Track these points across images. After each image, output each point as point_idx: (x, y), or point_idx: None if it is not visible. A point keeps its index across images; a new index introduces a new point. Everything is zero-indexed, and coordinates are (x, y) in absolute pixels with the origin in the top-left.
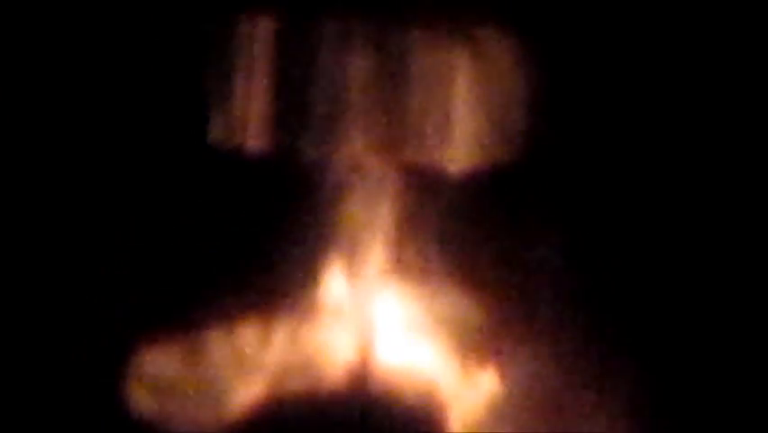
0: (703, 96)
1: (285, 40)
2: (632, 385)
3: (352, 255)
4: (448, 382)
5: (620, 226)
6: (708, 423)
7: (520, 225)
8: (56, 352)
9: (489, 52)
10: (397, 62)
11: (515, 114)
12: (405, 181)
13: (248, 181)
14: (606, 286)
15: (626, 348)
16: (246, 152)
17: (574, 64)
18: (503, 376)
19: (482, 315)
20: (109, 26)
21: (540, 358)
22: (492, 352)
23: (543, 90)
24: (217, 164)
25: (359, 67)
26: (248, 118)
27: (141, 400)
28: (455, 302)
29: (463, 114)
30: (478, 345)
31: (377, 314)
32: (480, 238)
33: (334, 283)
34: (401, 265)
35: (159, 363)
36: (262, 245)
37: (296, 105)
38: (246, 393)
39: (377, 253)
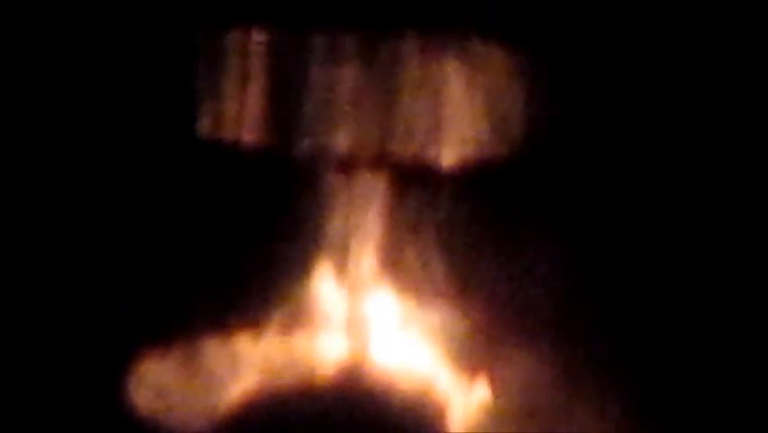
0: (699, 96)
1: (276, 50)
2: (628, 391)
3: (344, 258)
4: (440, 387)
5: (615, 227)
6: (707, 428)
7: (513, 229)
8: (55, 356)
9: (481, 61)
10: (388, 72)
11: (506, 117)
12: (396, 184)
13: (238, 185)
14: (601, 288)
15: (622, 353)
16: (237, 155)
17: (566, 70)
18: (496, 380)
19: (475, 318)
20: (103, 28)
21: (533, 362)
22: (485, 355)
23: (534, 97)
24: (207, 168)
25: (350, 76)
26: (239, 121)
27: (140, 404)
28: (448, 305)
29: (454, 117)
30: (471, 348)
31: (369, 317)
32: (473, 241)
33: (326, 286)
34: (393, 268)
35: (153, 368)
36: (253, 248)
37: (287, 108)
38: (240, 397)
39: (369, 255)
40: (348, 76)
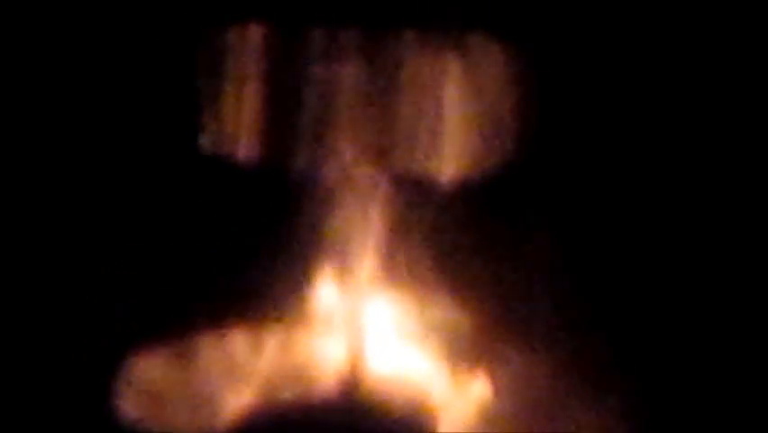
0: (696, 101)
1: (275, 49)
2: (625, 391)
3: (343, 263)
4: (440, 390)
5: (611, 233)
6: (703, 427)
7: (510, 232)
8: (46, 357)
9: (480, 60)
10: (387, 70)
11: (505, 122)
12: (395, 189)
13: (238, 190)
14: (597, 292)
15: (619, 354)
16: (237, 160)
17: (565, 72)
18: (494, 382)
19: (473, 322)
20: (101, 35)
21: (531, 364)
22: (483, 359)
23: (533, 98)
24: (208, 173)
25: (349, 75)
26: (239, 127)
27: (132, 407)
28: (446, 309)
29: (454, 122)
30: (469, 351)
31: (367, 322)
32: (471, 246)
33: (325, 291)
34: (392, 273)
35: (150, 371)
36: (253, 254)
37: (286, 114)
38: (237, 401)
39: (367, 261)
40: (347, 80)
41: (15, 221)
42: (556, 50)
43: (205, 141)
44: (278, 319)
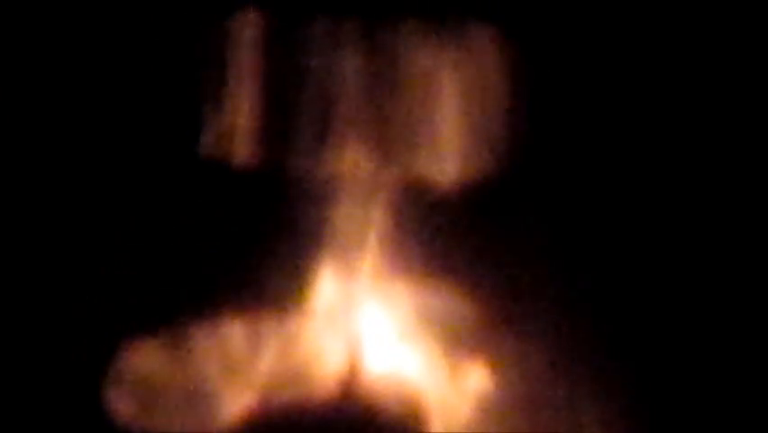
0: (693, 104)
1: (274, 42)
2: (623, 384)
3: (343, 260)
4: (438, 384)
5: (609, 228)
6: (702, 420)
7: (509, 230)
8: (38, 350)
9: (479, 54)
10: (386, 63)
11: (503, 121)
12: (394, 188)
13: (238, 187)
14: (594, 286)
15: (617, 347)
16: (237, 157)
17: (563, 70)
18: (493, 376)
19: (471, 317)
20: (99, 33)
21: (530, 357)
22: (482, 353)
23: (532, 92)
24: (209, 169)
25: (348, 68)
26: (239, 124)
27: (125, 401)
28: (444, 305)
29: (453, 119)
30: (467, 346)
31: (367, 318)
32: (469, 242)
33: (324, 289)
34: (391, 270)
35: (144, 365)
36: (253, 250)
37: (286, 111)
38: (234, 396)
39: (367, 257)
40: (346, 74)
41: (11, 215)
42: (556, 42)
43: (205, 137)
44: (278, 315)
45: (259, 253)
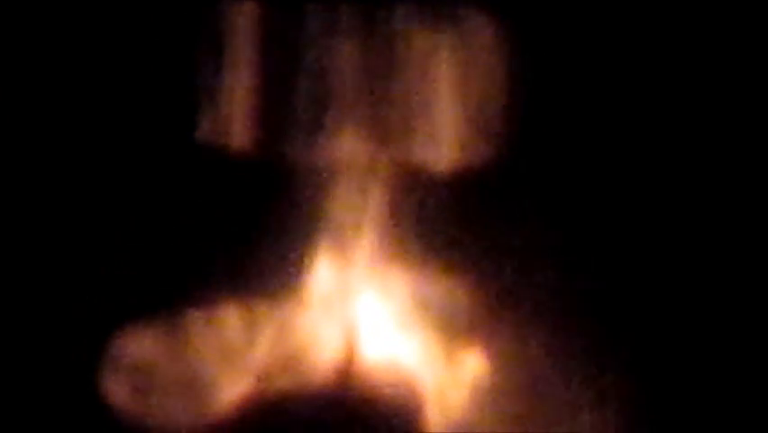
0: (688, 93)
1: (270, 29)
2: (620, 371)
3: (339, 246)
4: (435, 370)
5: (604, 214)
6: (698, 407)
7: (505, 216)
8: (34, 338)
9: (475, 39)
10: (382, 49)
11: (499, 107)
12: (390, 174)
13: (235, 174)
14: (590, 271)
15: (612, 331)
16: (233, 144)
17: (560, 55)
18: (489, 362)
19: (468, 305)
20: (96, 24)
21: (526, 346)
22: (478, 339)
23: (527, 83)
24: (205, 156)
25: (344, 54)
26: (235, 112)
27: (120, 388)
28: (441, 294)
29: (448, 107)
30: (464, 332)
31: (363, 306)
32: (466, 230)
33: (321, 276)
34: (387, 258)
35: (141, 353)
36: (249, 238)
37: (282, 98)
38: (230, 382)
39: (363, 244)
40: (343, 59)
41: (7, 201)
42: (552, 27)
43: (202, 124)
44: (274, 301)
45: (255, 239)
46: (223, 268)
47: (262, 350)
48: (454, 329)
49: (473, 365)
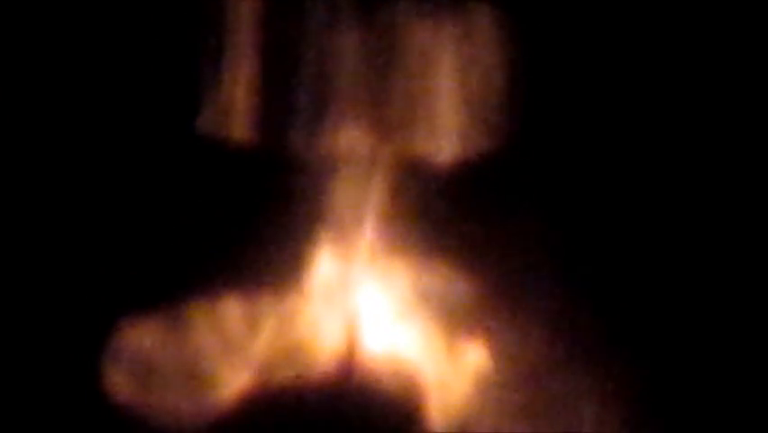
0: (687, 87)
1: (271, 20)
2: (621, 363)
3: (341, 238)
4: (436, 360)
5: (605, 205)
6: (697, 396)
7: (507, 208)
8: (35, 330)
9: (477, 31)
10: (384, 41)
11: (501, 98)
12: (392, 166)
13: (236, 165)
14: (591, 262)
15: (613, 321)
16: (235, 136)
17: (561, 47)
18: (491, 357)
19: (470, 297)
20: (96, 14)
21: (527, 337)
22: (479, 329)
23: (529, 75)
24: (206, 147)
25: (345, 46)
26: (236, 103)
27: (122, 380)
28: (442, 285)
29: (450, 99)
30: (465, 322)
31: (364, 298)
32: (467, 221)
33: (322, 268)
34: (388, 250)
35: (142, 345)
36: (251, 229)
37: (283, 89)
38: (231, 375)
39: (365, 235)
40: (344, 49)
41: (7, 194)
42: (554, 19)
43: (203, 115)
44: (275, 293)
45: (256, 231)
46: (224, 260)
47: (264, 342)
48: (455, 321)
49: (474, 357)
